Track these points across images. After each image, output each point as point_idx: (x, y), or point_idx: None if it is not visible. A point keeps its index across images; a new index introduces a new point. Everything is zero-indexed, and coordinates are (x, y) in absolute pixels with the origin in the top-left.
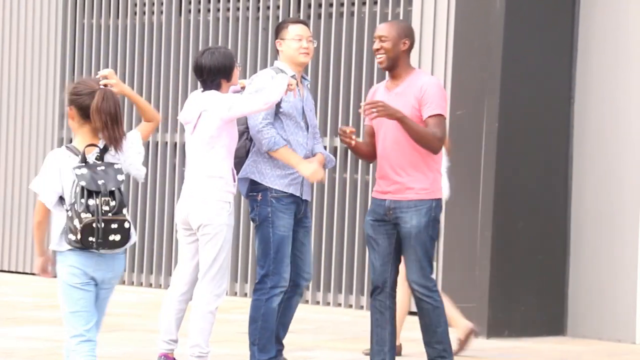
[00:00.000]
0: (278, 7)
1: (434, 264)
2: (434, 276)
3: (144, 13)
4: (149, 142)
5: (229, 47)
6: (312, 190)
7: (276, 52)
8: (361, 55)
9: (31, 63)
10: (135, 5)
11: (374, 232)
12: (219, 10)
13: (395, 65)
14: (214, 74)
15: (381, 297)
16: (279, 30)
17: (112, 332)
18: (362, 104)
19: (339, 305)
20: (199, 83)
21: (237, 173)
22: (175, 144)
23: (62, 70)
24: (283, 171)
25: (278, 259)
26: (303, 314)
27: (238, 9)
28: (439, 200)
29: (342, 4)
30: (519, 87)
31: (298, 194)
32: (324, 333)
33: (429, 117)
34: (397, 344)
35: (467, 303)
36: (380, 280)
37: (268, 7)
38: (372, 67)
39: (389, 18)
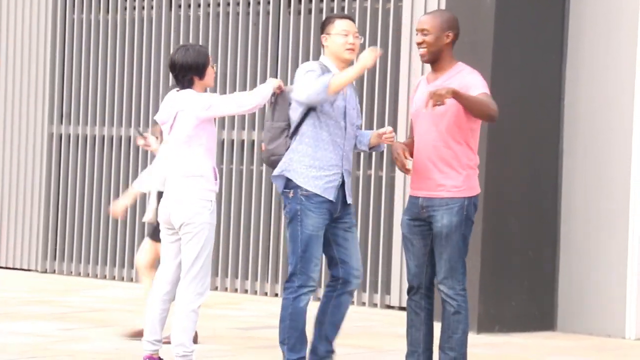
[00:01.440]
0: (269, 3)
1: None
2: (465, 279)
3: (134, 8)
4: (134, 137)
5: (220, 42)
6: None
7: (320, 47)
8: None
9: (21, 58)
10: (126, 0)
11: (409, 232)
12: (209, 5)
13: (438, 59)
14: (185, 70)
15: (416, 298)
16: (325, 25)
17: (104, 328)
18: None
19: None
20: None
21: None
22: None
23: (52, 65)
24: (319, 172)
25: (306, 258)
26: None
27: (228, 3)
28: (472, 199)
29: (333, 0)
30: (509, 85)
31: (332, 198)
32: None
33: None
34: None
35: None
36: (416, 282)
37: (259, 2)
38: None
39: (379, 13)
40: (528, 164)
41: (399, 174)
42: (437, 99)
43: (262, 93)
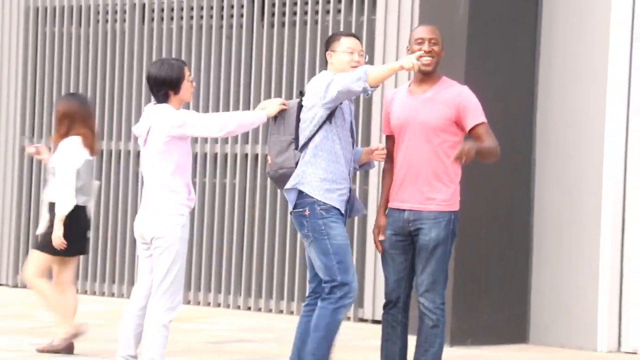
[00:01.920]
0: (242, 16)
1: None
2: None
3: (107, 21)
4: (111, 150)
5: (193, 55)
6: (271, 200)
7: (325, 63)
8: (325, 63)
9: None
10: (98, 13)
11: (391, 247)
12: (182, 18)
13: (434, 70)
14: (159, 84)
15: (394, 312)
16: (330, 41)
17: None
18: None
19: None
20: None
21: (284, 183)
22: (139, 152)
23: (24, 78)
24: (332, 185)
25: (343, 268)
26: (266, 322)
27: (202, 16)
28: (456, 213)
29: (306, 13)
30: (482, 95)
31: (343, 211)
32: (287, 342)
33: (478, 125)
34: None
35: None
36: (394, 295)
37: (232, 16)
38: None
39: (353, 27)
40: (500, 175)
41: (372, 187)
42: (468, 159)
43: (251, 119)
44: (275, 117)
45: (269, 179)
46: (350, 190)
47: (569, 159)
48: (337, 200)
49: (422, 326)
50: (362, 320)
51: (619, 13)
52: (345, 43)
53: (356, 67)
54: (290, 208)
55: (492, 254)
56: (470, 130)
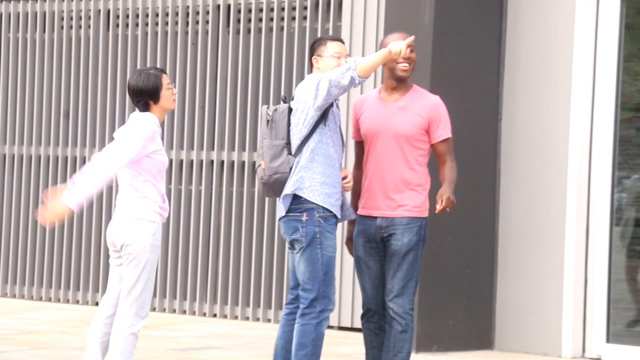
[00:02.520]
0: (207, 22)
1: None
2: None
3: (71, 27)
4: (75, 157)
5: (158, 61)
6: (226, 207)
7: (310, 68)
8: (291, 69)
9: None
10: (62, 19)
11: (365, 254)
12: (147, 24)
13: (409, 77)
14: (137, 94)
15: (374, 319)
16: (316, 46)
17: (37, 350)
18: (438, 207)
19: (269, 320)
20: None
21: (280, 190)
22: None
23: None
24: (331, 189)
25: (327, 281)
26: (232, 329)
27: (167, 23)
28: (427, 219)
29: (272, 19)
30: (447, 103)
31: (339, 217)
32: (254, 349)
33: (442, 141)
34: None
35: None
36: (374, 303)
37: (197, 22)
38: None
39: (318, 33)
40: (465, 182)
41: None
42: (452, 206)
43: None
44: (267, 122)
45: (234, 185)
46: (343, 194)
47: (534, 167)
48: (335, 205)
49: (390, 331)
50: (341, 328)
51: (582, 18)
52: (332, 48)
53: None
54: (282, 214)
55: (458, 261)
56: (434, 142)
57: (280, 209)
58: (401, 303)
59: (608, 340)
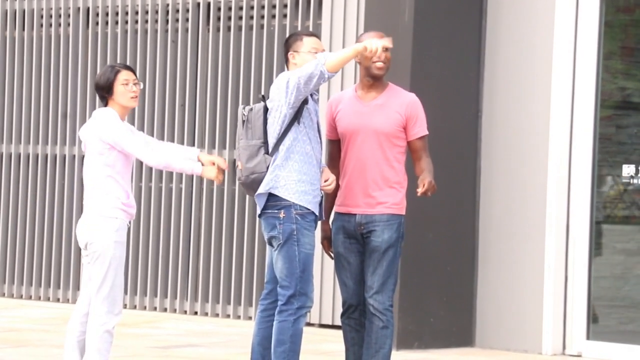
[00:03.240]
0: (187, 20)
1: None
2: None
3: (50, 25)
4: (55, 155)
5: (138, 59)
6: (205, 204)
7: (286, 63)
8: (271, 67)
9: None
10: (42, 17)
11: (346, 251)
12: (127, 22)
13: (384, 76)
14: (96, 89)
15: (355, 316)
16: (291, 42)
17: (17, 348)
18: (419, 190)
19: (249, 318)
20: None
21: (256, 189)
22: (83, 157)
23: None
24: (307, 187)
25: (305, 278)
26: (213, 327)
27: (147, 21)
28: (404, 217)
29: (252, 17)
30: (428, 100)
31: (317, 213)
32: (235, 346)
33: (419, 138)
34: None
35: None
36: (355, 299)
37: (177, 20)
38: None
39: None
40: (446, 180)
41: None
42: (434, 190)
43: (181, 165)
44: (243, 122)
45: (214, 183)
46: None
47: (514, 165)
48: (312, 202)
49: (371, 327)
50: (322, 325)
51: (562, 16)
52: (309, 43)
53: None
54: (258, 211)
55: (438, 258)
56: (411, 139)
57: (258, 207)
58: (381, 299)
59: (588, 337)
